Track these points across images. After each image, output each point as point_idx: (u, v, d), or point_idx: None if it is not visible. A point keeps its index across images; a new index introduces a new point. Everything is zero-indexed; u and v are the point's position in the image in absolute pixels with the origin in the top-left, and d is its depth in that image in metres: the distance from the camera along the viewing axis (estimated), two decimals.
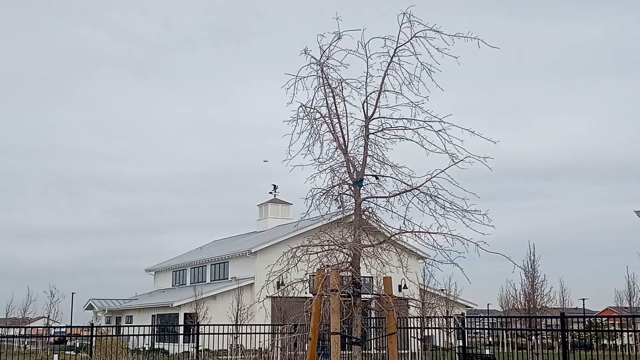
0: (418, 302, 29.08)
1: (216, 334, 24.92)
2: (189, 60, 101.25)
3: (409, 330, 22.61)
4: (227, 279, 48.20)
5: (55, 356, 23.85)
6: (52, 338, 37.84)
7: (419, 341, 27.29)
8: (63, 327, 43.70)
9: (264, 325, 25.37)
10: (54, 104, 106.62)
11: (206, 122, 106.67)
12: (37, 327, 40.35)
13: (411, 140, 9.26)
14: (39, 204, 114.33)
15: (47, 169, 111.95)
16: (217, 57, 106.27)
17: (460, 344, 20.75)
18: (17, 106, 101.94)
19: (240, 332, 30.05)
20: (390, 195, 9.34)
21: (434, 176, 9.09)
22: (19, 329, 30.83)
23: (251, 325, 27.09)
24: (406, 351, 26.78)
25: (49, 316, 46.10)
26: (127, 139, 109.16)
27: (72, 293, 65.94)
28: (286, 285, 10.24)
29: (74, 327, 42.62)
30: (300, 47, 9.37)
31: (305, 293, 11.03)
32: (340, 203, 9.46)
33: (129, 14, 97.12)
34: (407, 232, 9.14)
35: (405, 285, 25.19)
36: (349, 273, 8.97)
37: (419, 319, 24.89)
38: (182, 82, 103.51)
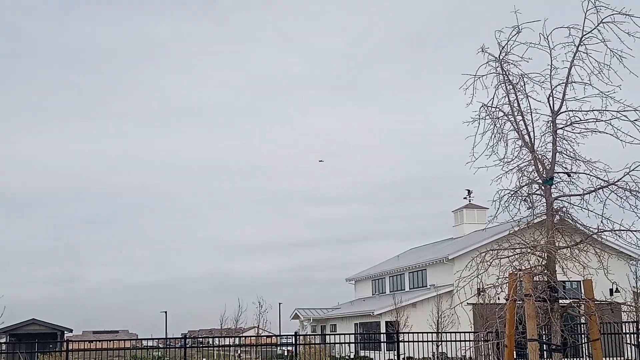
0: (630, 306, 27.06)
1: (418, 341, 24.86)
2: (378, 73, 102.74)
3: (623, 336, 21.07)
4: (426, 286, 47.94)
5: None
6: (285, 349, 39.35)
7: (635, 347, 25.36)
8: (284, 335, 45.62)
9: (466, 332, 24.88)
10: (255, 126, 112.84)
11: (397, 132, 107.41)
12: (250, 336, 42.60)
13: (604, 132, 8.66)
14: (248, 220, 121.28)
15: (254, 187, 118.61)
16: (403, 66, 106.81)
17: None
18: (222, 131, 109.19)
19: (442, 339, 29.75)
20: (585, 192, 8.78)
21: (633, 169, 8.42)
22: (232, 338, 32.80)
23: (453, 332, 26.70)
24: (620, 358, 25.02)
25: (258, 326, 48.44)
26: (323, 153, 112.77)
27: (279, 303, 68.91)
28: (484, 291, 9.95)
29: (281, 335, 44.50)
30: (477, 45, 9.13)
31: (505, 299, 10.66)
32: (530, 204, 9.05)
33: (320, 34, 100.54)
34: (606, 231, 8.54)
35: (617, 288, 23.57)
36: (544, 277, 8.53)
37: (634, 323, 23.14)
38: (373, 95, 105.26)
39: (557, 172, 8.90)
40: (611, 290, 21.95)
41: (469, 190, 54.37)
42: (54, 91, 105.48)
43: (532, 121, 9.06)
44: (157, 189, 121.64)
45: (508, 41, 8.94)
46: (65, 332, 50.86)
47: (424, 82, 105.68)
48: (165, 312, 71.80)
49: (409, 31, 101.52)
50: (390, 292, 52.24)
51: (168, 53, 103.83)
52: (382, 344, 40.33)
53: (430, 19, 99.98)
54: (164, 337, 55.30)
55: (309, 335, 45.72)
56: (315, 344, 28.89)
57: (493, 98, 9.16)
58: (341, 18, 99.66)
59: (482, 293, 12.25)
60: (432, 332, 31.12)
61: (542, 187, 8.93)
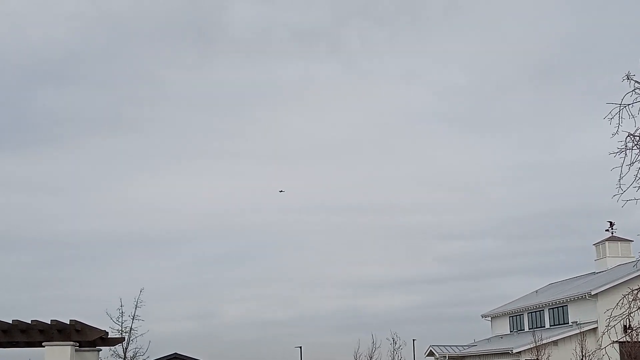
0: None
1: None
2: (507, 106, 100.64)
3: None
4: (567, 323, 45.91)
5: None
6: None
7: None
8: None
9: None
10: (383, 163, 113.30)
11: (527, 165, 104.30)
12: None
13: None
14: (377, 257, 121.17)
15: (383, 223, 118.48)
16: (532, 98, 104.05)
17: None
18: (351, 169, 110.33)
19: None
20: None
21: None
22: None
23: None
24: None
25: None
26: (451, 189, 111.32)
27: (413, 340, 67.79)
28: (632, 328, 9.41)
29: None
30: (611, 73, 8.79)
31: None
32: None
33: (447, 69, 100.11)
34: None
35: None
36: None
37: None
38: (502, 128, 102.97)
39: None
40: None
41: (611, 223, 51.89)
42: (190, 134, 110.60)
43: None
44: (289, 226, 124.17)
45: None
46: None
47: (555, 113, 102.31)
48: (300, 348, 72.58)
49: (539, 62, 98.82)
50: (529, 329, 50.40)
51: (297, 95, 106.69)
52: None
53: (561, 48, 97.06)
54: None
55: None
56: None
57: None
58: (469, 50, 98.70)
59: (630, 331, 11.56)
60: None
61: None
